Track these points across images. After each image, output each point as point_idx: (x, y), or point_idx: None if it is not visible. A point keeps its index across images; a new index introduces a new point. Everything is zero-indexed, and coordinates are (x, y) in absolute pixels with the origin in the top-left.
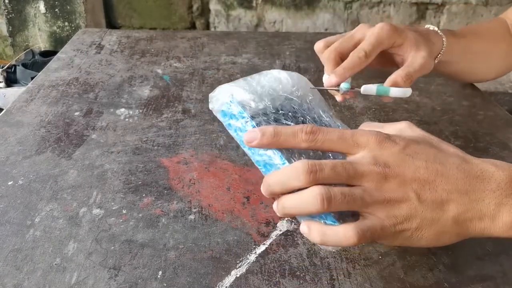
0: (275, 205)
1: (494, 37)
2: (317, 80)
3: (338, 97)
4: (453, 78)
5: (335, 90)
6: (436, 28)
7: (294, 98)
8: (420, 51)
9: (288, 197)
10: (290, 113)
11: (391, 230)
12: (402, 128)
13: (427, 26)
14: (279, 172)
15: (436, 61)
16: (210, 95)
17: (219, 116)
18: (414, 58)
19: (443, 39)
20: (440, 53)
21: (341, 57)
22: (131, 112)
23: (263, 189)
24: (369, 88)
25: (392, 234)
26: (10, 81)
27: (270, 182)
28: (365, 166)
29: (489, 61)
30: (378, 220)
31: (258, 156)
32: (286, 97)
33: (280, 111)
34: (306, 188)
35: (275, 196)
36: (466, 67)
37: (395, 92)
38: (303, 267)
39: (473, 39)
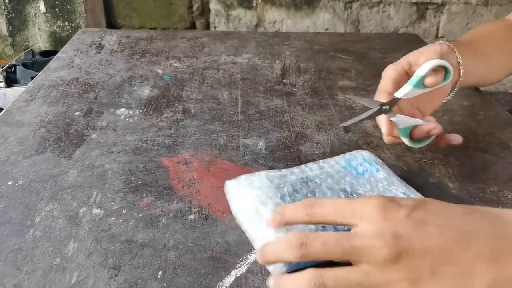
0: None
1: (499, 39)
2: (317, 80)
3: (384, 127)
4: (470, 86)
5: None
6: (458, 57)
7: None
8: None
9: (285, 279)
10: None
11: None
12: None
13: (440, 42)
14: (274, 242)
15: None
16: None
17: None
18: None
19: (460, 61)
20: (459, 79)
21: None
22: (131, 112)
23: (259, 257)
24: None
25: None
26: (10, 81)
27: (265, 252)
28: (364, 241)
29: (496, 64)
30: None
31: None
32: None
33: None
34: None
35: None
36: (474, 73)
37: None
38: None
39: (478, 45)
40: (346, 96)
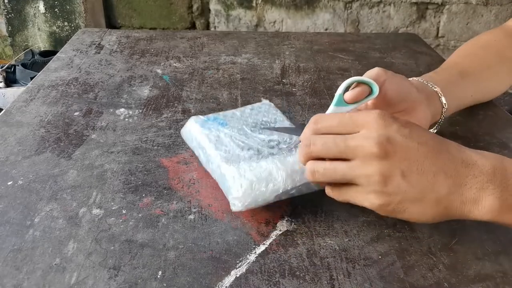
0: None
1: (498, 50)
2: (317, 80)
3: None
4: (467, 106)
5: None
6: (437, 90)
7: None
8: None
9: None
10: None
11: (373, 201)
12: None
13: (428, 84)
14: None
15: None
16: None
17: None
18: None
19: (443, 103)
20: (440, 119)
21: None
22: (130, 112)
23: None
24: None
25: (371, 201)
26: (10, 81)
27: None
28: (356, 141)
29: (495, 76)
30: (361, 189)
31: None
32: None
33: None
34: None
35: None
36: (465, 95)
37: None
38: (303, 267)
39: (468, 63)
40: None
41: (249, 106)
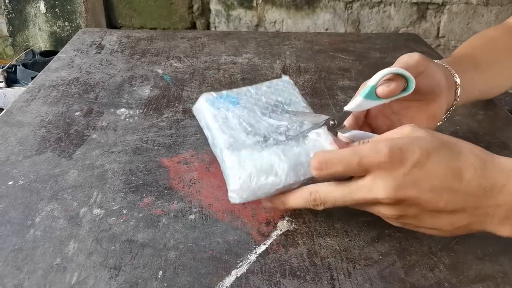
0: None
1: (503, 46)
2: (317, 80)
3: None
4: (473, 101)
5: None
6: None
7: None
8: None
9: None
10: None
11: (392, 223)
12: (407, 132)
13: (451, 72)
14: (292, 198)
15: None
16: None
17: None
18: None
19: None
20: (449, 111)
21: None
22: (131, 112)
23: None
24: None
25: (392, 223)
26: (11, 81)
27: (287, 200)
28: (365, 196)
29: (500, 73)
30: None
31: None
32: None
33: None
34: None
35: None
36: (474, 89)
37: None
38: (304, 267)
39: (478, 56)
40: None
41: (266, 83)
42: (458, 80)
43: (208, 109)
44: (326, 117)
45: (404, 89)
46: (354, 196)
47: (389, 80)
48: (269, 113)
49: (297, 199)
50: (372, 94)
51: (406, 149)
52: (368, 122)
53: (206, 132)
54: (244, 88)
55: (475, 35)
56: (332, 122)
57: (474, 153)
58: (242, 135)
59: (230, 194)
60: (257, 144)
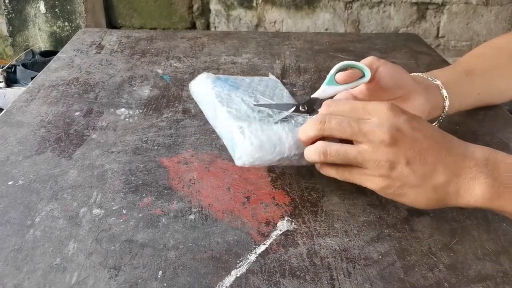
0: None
1: (509, 52)
2: (317, 80)
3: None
4: (476, 107)
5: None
6: (439, 84)
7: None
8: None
9: (306, 148)
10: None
11: (377, 183)
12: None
13: (428, 77)
14: (305, 125)
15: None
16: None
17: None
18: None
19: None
20: (443, 112)
21: None
22: (131, 112)
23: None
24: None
25: (375, 183)
26: (10, 81)
27: (300, 133)
28: (369, 127)
29: (507, 77)
30: (367, 171)
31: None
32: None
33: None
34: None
35: (305, 144)
36: (469, 94)
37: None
38: (303, 267)
39: (477, 63)
40: (254, 104)
41: (257, 78)
42: (438, 82)
43: (209, 86)
44: (294, 103)
45: (362, 78)
46: (361, 125)
47: (349, 70)
48: (267, 99)
49: (308, 124)
50: (332, 81)
51: (406, 112)
52: None
53: (204, 107)
54: (239, 77)
55: (480, 46)
56: (302, 109)
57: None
58: (248, 111)
59: (239, 155)
60: (263, 119)
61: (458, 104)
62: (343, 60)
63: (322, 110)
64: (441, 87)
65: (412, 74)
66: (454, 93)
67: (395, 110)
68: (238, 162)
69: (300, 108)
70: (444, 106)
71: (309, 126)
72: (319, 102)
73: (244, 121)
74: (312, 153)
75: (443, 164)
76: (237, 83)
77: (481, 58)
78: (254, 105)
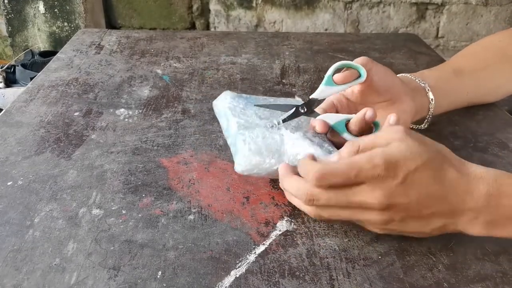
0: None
1: (500, 50)
2: (317, 80)
3: (318, 126)
4: (467, 105)
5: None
6: (425, 86)
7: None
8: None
9: (287, 188)
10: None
11: (373, 230)
12: (399, 137)
13: (416, 79)
14: (290, 183)
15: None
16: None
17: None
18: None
19: (430, 99)
20: (428, 114)
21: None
22: (130, 112)
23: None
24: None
25: (373, 230)
26: (10, 82)
27: (285, 186)
28: (360, 199)
29: (496, 77)
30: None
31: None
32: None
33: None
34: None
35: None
36: (459, 93)
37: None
38: (303, 267)
39: (467, 62)
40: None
41: (282, 98)
42: (425, 85)
43: (227, 101)
44: (294, 104)
45: (358, 78)
46: (350, 198)
47: (346, 70)
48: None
49: (294, 186)
50: (330, 81)
51: (400, 163)
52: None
53: (222, 121)
54: (263, 97)
55: (471, 44)
56: (302, 110)
57: (453, 157)
58: (256, 119)
59: (238, 161)
60: (269, 128)
61: (446, 104)
62: (343, 60)
63: (311, 184)
64: (428, 90)
65: (400, 74)
66: (442, 94)
67: (388, 173)
68: (237, 168)
69: (300, 109)
70: (429, 108)
71: (294, 196)
72: (317, 102)
73: (248, 130)
74: (303, 209)
75: (439, 214)
76: (258, 101)
77: (471, 57)
78: (255, 105)
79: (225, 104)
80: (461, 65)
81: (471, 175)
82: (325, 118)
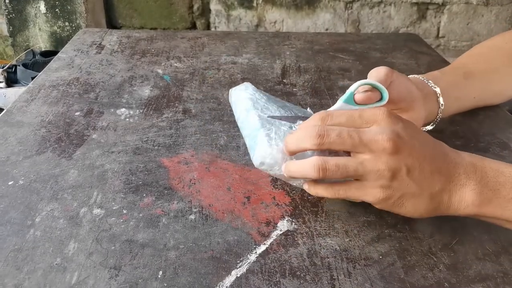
0: (283, 167)
1: (507, 52)
2: (317, 80)
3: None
4: (472, 108)
5: None
6: (437, 90)
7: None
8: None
9: (294, 163)
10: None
11: (376, 195)
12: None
13: (428, 82)
14: (296, 132)
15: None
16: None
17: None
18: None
19: (440, 103)
20: (436, 118)
21: None
22: (131, 112)
23: (285, 148)
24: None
25: (374, 195)
26: (11, 81)
27: (289, 141)
28: (370, 136)
29: (504, 79)
30: (367, 184)
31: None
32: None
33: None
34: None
35: (293, 154)
36: (467, 96)
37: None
38: (304, 267)
39: (475, 64)
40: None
41: (296, 107)
42: (437, 90)
43: (249, 92)
44: (309, 115)
45: (379, 100)
46: (361, 135)
47: (367, 90)
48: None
49: (301, 132)
50: (351, 100)
51: (400, 118)
52: None
53: (239, 109)
54: (278, 99)
55: (479, 44)
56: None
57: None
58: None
59: (258, 154)
60: (292, 128)
61: (455, 108)
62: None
63: (315, 121)
64: (439, 95)
65: (412, 76)
66: (452, 98)
67: (392, 116)
68: (257, 160)
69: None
70: (438, 112)
71: (303, 137)
72: None
73: (272, 126)
74: (308, 169)
75: (438, 171)
76: (275, 99)
77: (479, 59)
78: (268, 117)
79: (246, 95)
80: (471, 68)
81: (455, 151)
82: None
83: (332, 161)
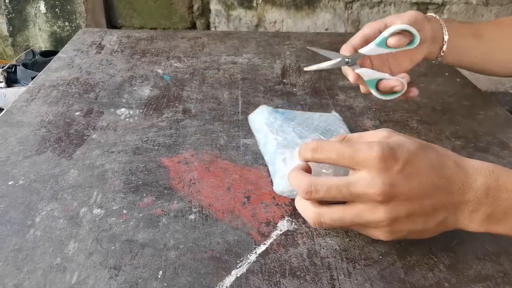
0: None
1: None
2: (317, 80)
3: (350, 77)
4: (470, 69)
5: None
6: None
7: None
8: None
9: (297, 204)
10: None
11: (381, 236)
12: (384, 136)
13: (442, 29)
14: (290, 178)
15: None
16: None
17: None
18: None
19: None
20: (440, 53)
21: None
22: (131, 112)
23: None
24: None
25: (379, 236)
26: (11, 81)
27: (289, 179)
28: (360, 189)
29: (506, 52)
30: (368, 229)
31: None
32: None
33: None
34: None
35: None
36: (467, 53)
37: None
38: (304, 267)
39: (486, 29)
40: (307, 48)
41: (318, 113)
42: (446, 38)
43: (264, 116)
44: (342, 55)
45: (410, 43)
46: (351, 189)
47: (399, 34)
48: (318, 135)
49: (295, 178)
50: (383, 43)
51: (396, 149)
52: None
53: (259, 136)
54: (299, 111)
55: (508, 16)
56: (347, 60)
57: (448, 152)
58: (296, 138)
59: (277, 182)
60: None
61: (455, 60)
62: (403, 24)
63: (304, 154)
64: (444, 43)
65: (429, 15)
66: (456, 51)
67: (386, 161)
68: (277, 189)
69: (345, 60)
70: (437, 57)
71: (295, 185)
72: (363, 57)
73: (288, 150)
74: (306, 217)
75: (442, 205)
76: (294, 116)
77: (495, 25)
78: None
79: (262, 120)
80: (482, 29)
81: (468, 167)
82: (361, 72)
83: (328, 214)
